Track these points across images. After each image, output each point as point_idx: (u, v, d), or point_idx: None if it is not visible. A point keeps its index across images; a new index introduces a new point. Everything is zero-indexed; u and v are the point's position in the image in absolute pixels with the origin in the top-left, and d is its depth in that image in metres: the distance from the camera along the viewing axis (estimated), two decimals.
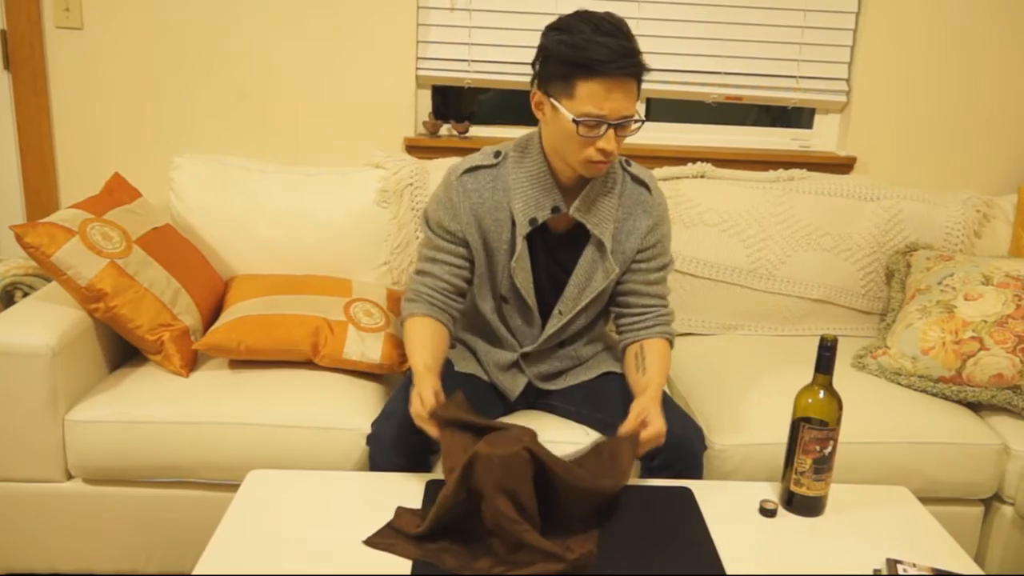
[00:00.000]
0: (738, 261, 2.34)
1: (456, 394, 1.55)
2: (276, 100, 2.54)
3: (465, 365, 1.84)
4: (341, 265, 2.26)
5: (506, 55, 2.58)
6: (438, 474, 1.56)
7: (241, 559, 1.30)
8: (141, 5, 2.45)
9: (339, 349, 1.91)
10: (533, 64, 1.61)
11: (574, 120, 1.54)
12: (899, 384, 2.08)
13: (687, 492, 1.54)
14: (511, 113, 2.95)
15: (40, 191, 2.56)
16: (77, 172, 2.57)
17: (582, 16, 1.54)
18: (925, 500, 1.87)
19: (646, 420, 1.52)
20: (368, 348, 1.94)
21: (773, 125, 3.06)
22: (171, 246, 2.08)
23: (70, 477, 1.84)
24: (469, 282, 1.79)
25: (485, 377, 1.84)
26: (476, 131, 2.65)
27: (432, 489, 1.50)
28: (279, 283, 2.12)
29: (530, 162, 1.70)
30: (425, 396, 1.51)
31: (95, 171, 2.56)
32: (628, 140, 1.64)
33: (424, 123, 2.60)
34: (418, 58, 2.55)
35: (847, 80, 2.68)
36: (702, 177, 2.42)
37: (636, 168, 1.79)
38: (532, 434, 1.45)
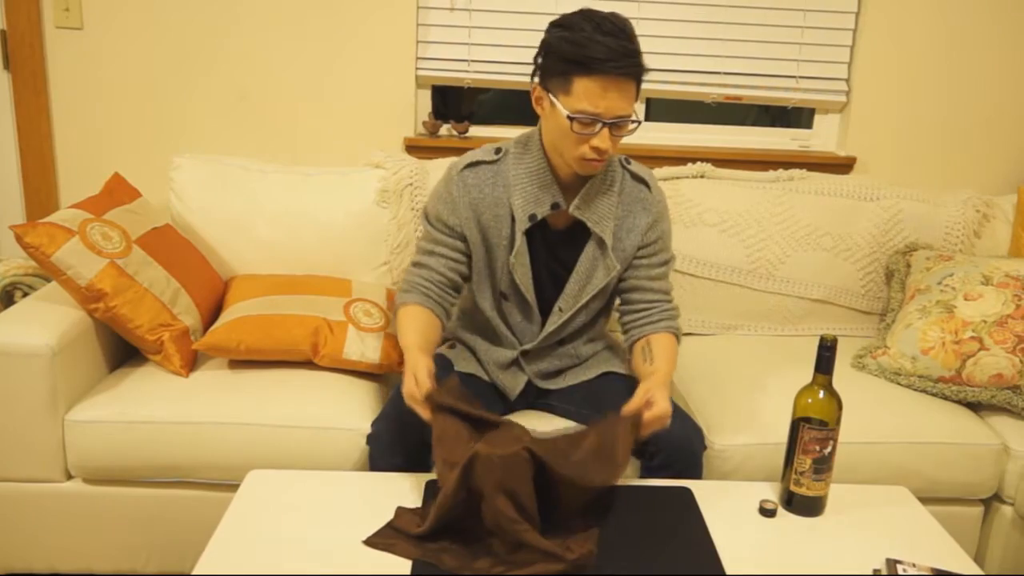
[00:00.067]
0: (738, 261, 2.34)
1: (450, 378, 1.55)
2: (276, 100, 2.54)
3: (465, 365, 1.84)
4: (341, 265, 2.26)
5: (506, 55, 2.58)
6: None
7: (241, 559, 1.30)
8: (141, 5, 2.45)
9: (339, 349, 1.91)
10: (535, 59, 1.63)
11: (569, 116, 1.55)
12: (899, 384, 2.08)
13: (687, 492, 1.54)
14: (510, 113, 2.96)
15: (40, 191, 2.56)
16: (77, 172, 2.57)
17: (586, 14, 1.55)
18: (925, 500, 1.87)
19: (651, 400, 1.51)
20: (368, 348, 1.94)
21: (773, 125, 3.06)
22: (171, 246, 2.08)
23: (70, 477, 1.84)
24: (466, 278, 1.79)
25: (485, 377, 1.84)
26: (476, 131, 2.65)
27: (432, 489, 1.50)
28: (279, 283, 2.12)
29: (530, 158, 1.71)
30: (420, 377, 1.50)
31: (95, 171, 2.56)
32: (627, 140, 1.64)
33: (424, 123, 2.60)
34: (418, 58, 2.55)
35: (847, 80, 2.68)
36: (702, 177, 2.42)
37: (636, 166, 1.80)
38: (524, 430, 1.45)
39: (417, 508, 1.45)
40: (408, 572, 1.29)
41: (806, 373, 1.57)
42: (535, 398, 1.88)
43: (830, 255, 2.37)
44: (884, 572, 1.35)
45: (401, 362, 1.97)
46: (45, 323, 1.79)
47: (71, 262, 1.82)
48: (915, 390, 2.06)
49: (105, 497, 1.84)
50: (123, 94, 2.52)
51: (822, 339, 1.44)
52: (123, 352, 2.03)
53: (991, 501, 1.96)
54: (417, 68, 2.56)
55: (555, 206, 1.70)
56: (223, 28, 2.48)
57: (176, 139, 2.55)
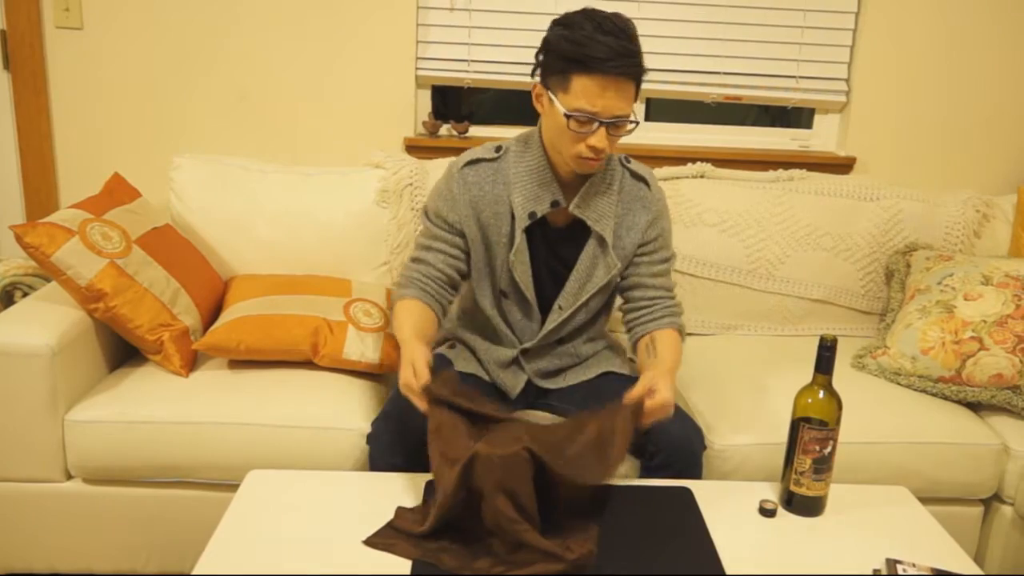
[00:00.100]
0: (738, 261, 2.34)
1: (447, 370, 1.55)
2: (276, 100, 2.54)
3: (465, 364, 1.84)
4: (341, 265, 2.26)
5: (506, 55, 2.58)
6: None
7: (241, 559, 1.30)
8: (141, 5, 2.45)
9: (339, 349, 1.91)
10: (536, 56, 1.63)
11: (566, 114, 1.56)
12: (899, 384, 2.08)
13: (687, 492, 1.54)
14: (509, 113, 2.96)
15: (40, 191, 2.56)
16: (77, 172, 2.57)
17: (588, 13, 1.56)
18: (925, 500, 1.87)
19: (654, 389, 1.50)
20: (368, 348, 1.94)
21: (773, 125, 3.06)
22: (171, 246, 2.08)
23: (70, 477, 1.84)
24: (463, 275, 1.79)
25: (486, 376, 1.84)
26: (476, 131, 2.65)
27: (432, 488, 1.50)
28: (279, 283, 2.12)
29: (531, 156, 1.71)
30: (419, 367, 1.49)
31: (95, 171, 2.56)
32: (628, 140, 1.65)
33: (424, 123, 2.60)
34: (418, 58, 2.56)
35: (847, 80, 2.68)
36: (702, 177, 2.42)
37: (635, 164, 1.80)
38: (521, 424, 1.45)
39: (417, 507, 1.45)
40: (408, 572, 1.29)
41: (806, 373, 1.57)
42: (535, 398, 1.88)
43: (830, 255, 2.37)
44: (884, 572, 1.35)
45: None
46: (45, 323, 1.79)
47: (71, 262, 1.82)
48: (915, 390, 2.06)
49: (105, 497, 1.84)
50: (123, 94, 2.52)
51: (822, 339, 1.44)
52: (123, 352, 2.03)
53: (991, 501, 1.96)
54: (417, 68, 2.56)
55: (555, 204, 1.70)
56: (223, 28, 2.48)
57: (176, 139, 2.55)
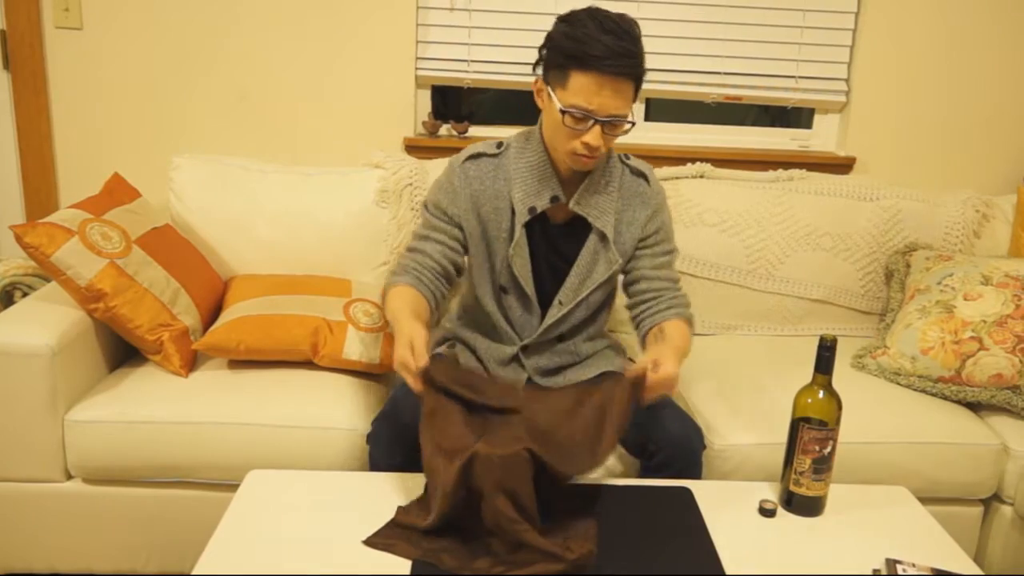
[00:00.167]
0: (737, 261, 2.34)
1: (448, 353, 1.54)
2: (276, 100, 2.55)
3: (465, 363, 1.84)
4: (341, 265, 2.26)
5: (505, 55, 2.58)
6: None
7: (241, 559, 1.30)
8: (141, 5, 2.45)
9: (339, 349, 1.91)
10: (540, 50, 1.64)
11: (561, 110, 1.57)
12: (898, 384, 2.08)
13: (686, 492, 1.54)
14: (509, 113, 2.96)
15: (40, 191, 2.56)
16: (77, 172, 2.57)
17: (591, 12, 1.57)
18: (924, 500, 1.87)
19: (658, 362, 1.47)
20: (368, 348, 1.94)
21: (772, 125, 3.06)
22: (171, 246, 2.08)
23: (70, 477, 1.84)
24: (459, 270, 1.79)
25: (485, 375, 1.84)
26: (475, 131, 2.65)
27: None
28: (279, 283, 2.12)
29: (531, 152, 1.72)
30: (417, 345, 1.46)
31: (95, 171, 2.56)
32: (627, 140, 1.65)
33: (423, 123, 2.60)
34: (417, 58, 2.56)
35: (846, 80, 2.68)
36: (701, 177, 2.42)
37: (635, 161, 1.82)
38: (522, 421, 1.44)
39: (419, 498, 1.44)
40: (408, 572, 1.29)
41: (806, 373, 1.57)
42: None
43: (830, 255, 2.37)
44: (884, 572, 1.35)
45: None
46: (45, 323, 1.79)
47: (71, 262, 1.82)
48: (915, 390, 2.06)
49: (105, 497, 1.84)
50: (123, 94, 2.52)
51: (822, 339, 1.44)
52: (123, 352, 2.03)
53: (991, 501, 1.96)
54: (417, 68, 2.56)
55: (554, 199, 1.71)
56: (223, 28, 2.48)
57: (176, 139, 2.55)
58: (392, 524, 1.40)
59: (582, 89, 1.55)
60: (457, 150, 2.46)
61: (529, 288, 1.76)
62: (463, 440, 1.39)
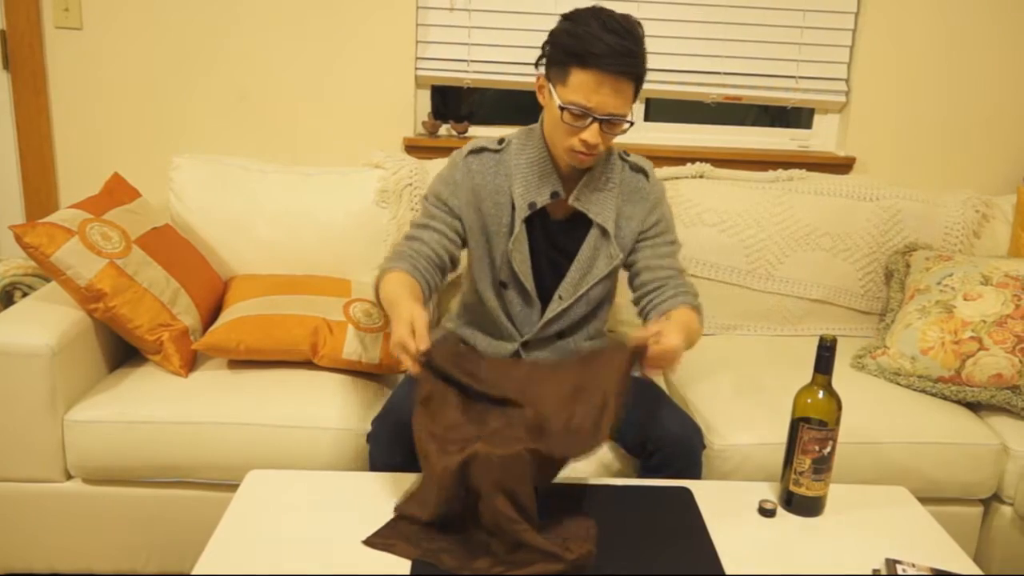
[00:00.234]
0: (737, 261, 2.34)
1: (449, 334, 1.53)
2: (276, 100, 2.55)
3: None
4: (341, 265, 2.26)
5: (505, 55, 2.58)
6: None
7: (241, 559, 1.30)
8: (141, 5, 2.45)
9: (338, 349, 1.91)
10: (543, 46, 1.65)
11: (560, 106, 1.59)
12: (898, 384, 2.08)
13: (686, 492, 1.54)
14: (508, 113, 2.96)
15: (40, 191, 2.56)
16: (77, 172, 2.57)
17: (595, 11, 1.58)
18: (924, 500, 1.87)
19: (661, 334, 1.43)
20: (367, 348, 1.94)
21: (772, 125, 3.06)
22: (170, 246, 2.08)
23: (69, 477, 1.84)
24: (454, 262, 1.79)
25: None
26: (475, 131, 2.65)
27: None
28: (278, 283, 2.13)
29: (532, 148, 1.73)
30: (419, 327, 1.44)
31: (95, 171, 2.56)
32: (627, 140, 1.65)
33: (423, 123, 2.60)
34: (417, 58, 2.56)
35: (846, 80, 2.68)
36: (701, 177, 2.42)
37: (634, 157, 1.83)
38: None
39: (415, 488, 1.43)
40: (408, 572, 1.29)
41: (806, 373, 1.57)
42: None
43: (829, 255, 2.37)
44: (884, 572, 1.35)
45: (401, 361, 1.97)
46: (45, 323, 1.79)
47: (71, 262, 1.82)
48: (915, 390, 2.06)
49: (105, 497, 1.84)
50: (123, 94, 2.52)
51: (821, 339, 1.44)
52: (123, 352, 2.03)
53: (990, 501, 1.96)
54: (417, 68, 2.56)
55: (554, 195, 1.72)
56: (223, 28, 2.48)
57: (176, 139, 2.55)
58: (392, 524, 1.40)
59: (582, 86, 1.56)
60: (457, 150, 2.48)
61: (528, 283, 1.76)
62: (459, 431, 1.39)
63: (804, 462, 1.47)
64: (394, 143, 2.58)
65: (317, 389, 1.87)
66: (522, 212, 1.72)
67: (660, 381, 2.13)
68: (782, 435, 1.72)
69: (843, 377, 2.09)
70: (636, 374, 1.83)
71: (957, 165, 2.73)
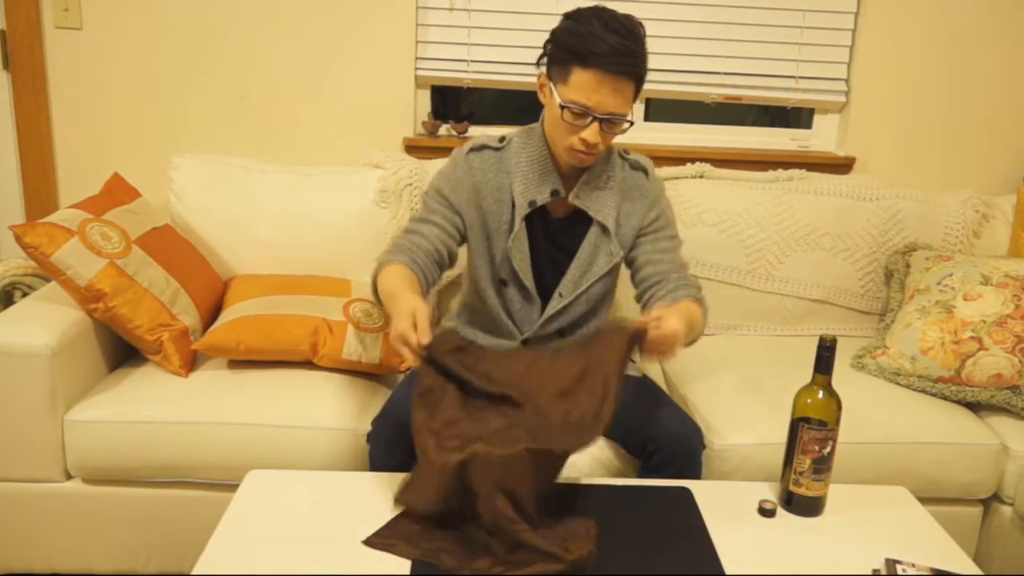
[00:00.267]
0: (737, 261, 2.34)
1: (450, 329, 1.53)
2: (276, 100, 2.55)
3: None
4: (340, 265, 2.26)
5: (505, 55, 2.58)
6: None
7: (241, 559, 1.30)
8: (141, 5, 2.45)
9: (338, 349, 1.91)
10: (544, 45, 1.66)
11: (561, 105, 1.59)
12: (898, 384, 2.08)
13: (686, 492, 1.54)
14: (508, 113, 2.96)
15: (39, 191, 2.56)
16: (76, 172, 2.57)
17: (597, 11, 1.59)
18: (924, 500, 1.87)
19: (661, 319, 1.41)
20: (367, 348, 1.94)
21: (772, 125, 3.06)
22: (170, 246, 2.08)
23: (69, 477, 1.84)
24: (451, 258, 1.78)
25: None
26: (475, 131, 2.65)
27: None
28: (278, 283, 2.13)
29: (532, 147, 1.74)
30: (421, 320, 1.42)
31: (94, 171, 2.56)
32: (627, 140, 1.65)
33: (423, 123, 2.60)
34: (417, 58, 2.56)
35: (846, 80, 2.68)
36: (701, 177, 2.42)
37: (634, 155, 1.83)
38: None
39: (412, 482, 1.41)
40: (408, 572, 1.29)
41: (805, 373, 1.57)
42: None
43: (829, 255, 2.37)
44: (883, 572, 1.35)
45: (401, 361, 1.97)
46: (45, 323, 1.79)
47: (70, 262, 1.82)
48: (914, 390, 2.06)
49: (105, 497, 1.84)
50: (123, 94, 2.52)
51: (821, 339, 1.44)
52: (123, 352, 2.03)
53: (990, 501, 1.96)
54: (416, 68, 2.56)
55: (555, 193, 1.72)
56: (223, 28, 2.48)
57: (176, 139, 2.55)
58: (392, 524, 1.40)
59: (582, 85, 1.57)
60: None
61: (528, 280, 1.77)
62: (458, 427, 1.39)
63: (804, 462, 1.47)
64: (394, 143, 2.58)
65: (317, 389, 1.87)
66: (522, 210, 1.72)
67: (660, 381, 2.13)
68: (782, 435, 1.72)
69: (843, 377, 2.09)
70: (635, 369, 1.84)
71: (957, 165, 2.73)
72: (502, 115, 3.01)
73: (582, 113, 1.59)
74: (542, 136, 1.74)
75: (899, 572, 1.33)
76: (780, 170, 2.46)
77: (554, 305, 1.78)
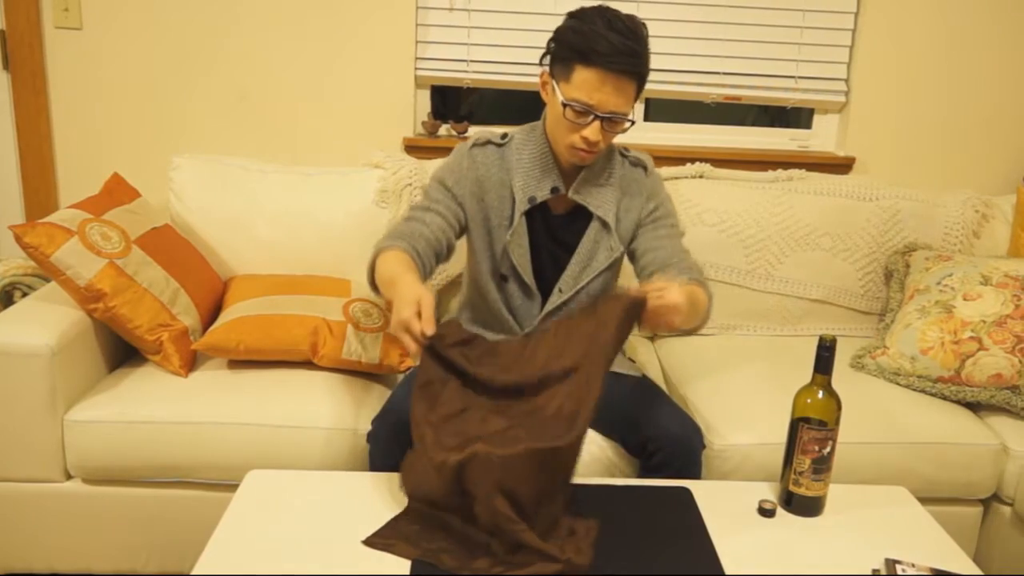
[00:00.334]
0: (737, 261, 2.34)
1: (452, 319, 1.52)
2: (276, 100, 2.55)
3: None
4: (340, 265, 2.26)
5: (505, 55, 2.58)
6: None
7: (240, 559, 1.30)
8: (141, 5, 2.45)
9: (338, 349, 1.91)
10: (548, 43, 1.67)
11: (563, 103, 1.61)
12: (898, 384, 2.08)
13: (686, 492, 1.54)
14: (508, 113, 2.95)
15: (39, 191, 2.56)
16: (76, 172, 2.57)
17: (601, 10, 1.60)
18: (924, 500, 1.87)
19: (663, 289, 1.40)
20: (367, 348, 1.94)
21: (772, 125, 3.06)
22: (170, 246, 2.08)
23: (69, 477, 1.84)
24: (450, 250, 1.77)
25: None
26: (475, 131, 2.64)
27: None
28: (278, 283, 2.13)
29: (534, 144, 1.75)
30: (426, 310, 1.39)
31: (94, 171, 2.56)
32: (627, 140, 1.66)
33: (423, 123, 2.60)
34: (417, 58, 2.56)
35: (846, 80, 2.68)
36: (701, 177, 2.42)
37: (634, 152, 1.84)
38: (520, 413, 1.42)
39: (412, 467, 1.41)
40: (407, 572, 1.29)
41: (805, 373, 1.57)
42: None
43: (829, 255, 2.37)
44: (883, 572, 1.35)
45: (401, 361, 1.97)
46: (44, 323, 1.79)
47: (70, 262, 1.82)
48: (914, 390, 2.06)
49: (105, 497, 1.84)
50: (123, 94, 2.52)
51: (821, 339, 1.44)
52: (122, 352, 2.03)
53: (990, 501, 1.96)
54: (416, 68, 2.56)
55: (555, 190, 1.73)
56: (223, 28, 2.48)
57: (176, 139, 2.55)
58: (392, 524, 1.39)
59: (584, 84, 1.58)
60: None
61: (528, 276, 1.77)
62: (458, 424, 1.39)
63: (804, 462, 1.47)
64: (394, 143, 2.58)
65: (317, 389, 1.87)
66: (522, 205, 1.73)
67: (660, 381, 2.13)
68: (782, 435, 1.73)
69: (843, 377, 2.09)
70: (635, 369, 1.84)
71: (957, 165, 2.73)
72: (502, 115, 3.00)
73: (584, 111, 1.60)
74: (543, 134, 1.75)
75: (899, 572, 1.33)
76: (780, 170, 2.46)
77: (554, 300, 1.79)
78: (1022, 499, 1.89)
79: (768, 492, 1.57)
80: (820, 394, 1.46)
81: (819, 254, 2.36)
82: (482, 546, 1.33)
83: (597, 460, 1.78)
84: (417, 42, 2.54)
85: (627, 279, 1.89)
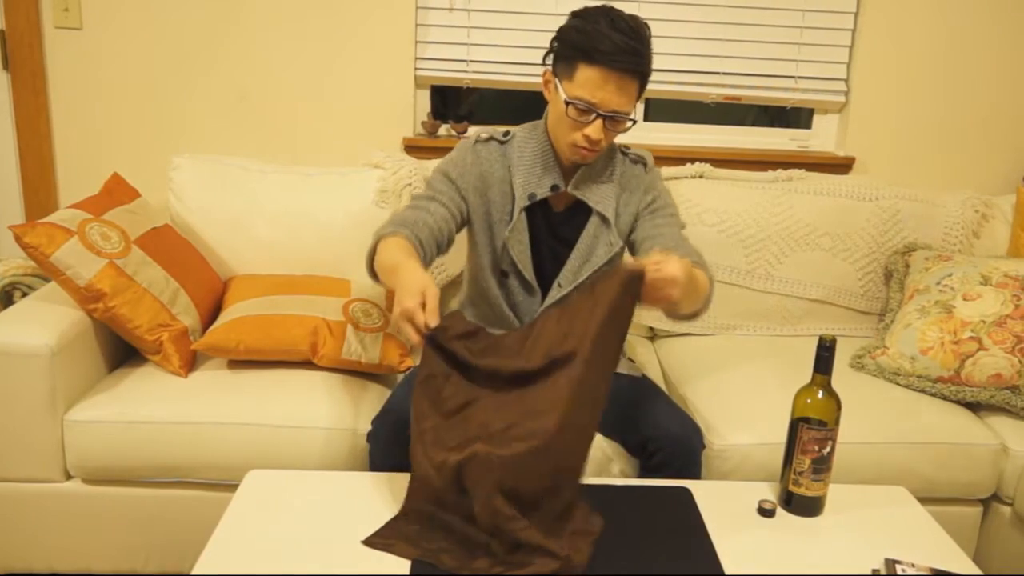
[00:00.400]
0: (736, 261, 2.34)
1: (455, 312, 1.51)
2: (276, 100, 2.55)
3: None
4: (340, 265, 2.26)
5: (505, 55, 2.58)
6: None
7: (240, 559, 1.30)
8: (141, 5, 2.45)
9: (338, 349, 1.91)
10: (551, 42, 1.67)
11: (566, 101, 1.61)
12: (898, 384, 2.08)
13: (686, 492, 1.54)
14: (508, 113, 2.95)
15: (39, 191, 2.56)
16: (76, 172, 2.57)
17: (604, 10, 1.61)
18: (924, 500, 1.87)
19: (661, 262, 1.38)
20: (367, 348, 1.94)
21: (772, 125, 3.06)
22: (170, 246, 2.08)
23: (69, 477, 1.84)
24: (450, 242, 1.77)
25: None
26: (475, 131, 2.64)
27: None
28: (278, 283, 2.13)
29: (535, 142, 1.76)
30: (430, 300, 1.37)
31: (94, 171, 2.56)
32: (626, 140, 1.66)
33: (423, 123, 2.60)
34: (417, 58, 2.56)
35: (846, 80, 2.68)
36: (700, 177, 2.42)
37: (634, 150, 1.85)
38: (517, 409, 1.42)
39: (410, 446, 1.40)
40: (407, 572, 1.29)
41: (805, 373, 1.57)
42: None
43: (829, 255, 2.37)
44: (883, 572, 1.35)
45: (401, 361, 1.97)
46: (44, 323, 1.79)
47: (70, 262, 1.82)
48: (914, 390, 2.06)
49: (104, 497, 1.84)
50: (123, 94, 2.52)
51: (821, 339, 1.44)
52: (122, 352, 2.03)
53: (990, 501, 1.96)
54: (416, 68, 2.56)
55: (555, 188, 1.74)
56: (223, 28, 2.48)
57: (176, 139, 2.55)
58: (392, 524, 1.39)
59: (587, 82, 1.59)
60: None
61: (528, 272, 1.78)
62: (459, 420, 1.38)
63: (804, 462, 1.47)
64: (394, 143, 2.58)
65: (317, 389, 1.87)
66: (522, 202, 1.74)
67: (660, 381, 2.13)
68: (782, 435, 1.73)
69: (843, 377, 2.09)
70: (634, 369, 1.84)
71: (956, 165, 2.73)
72: (501, 115, 3.00)
73: (586, 110, 1.61)
74: (545, 132, 1.76)
75: (899, 572, 1.33)
76: (780, 170, 2.46)
77: (553, 295, 1.80)
78: (1022, 499, 1.89)
79: (768, 492, 1.57)
80: (820, 394, 1.46)
81: (819, 254, 2.36)
82: (482, 546, 1.33)
83: (597, 460, 1.78)
84: (417, 42, 2.54)
85: None
